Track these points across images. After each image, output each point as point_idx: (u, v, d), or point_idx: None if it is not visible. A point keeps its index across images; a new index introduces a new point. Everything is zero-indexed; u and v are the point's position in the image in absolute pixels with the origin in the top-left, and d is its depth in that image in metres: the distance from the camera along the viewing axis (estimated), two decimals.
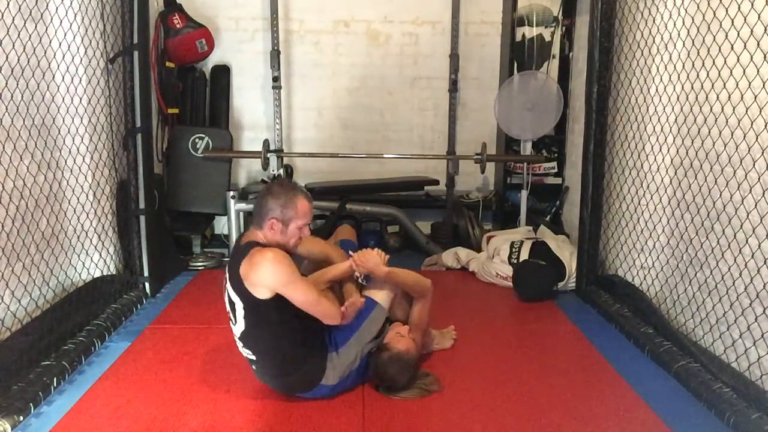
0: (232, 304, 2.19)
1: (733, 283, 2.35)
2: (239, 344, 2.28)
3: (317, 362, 2.25)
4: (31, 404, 2.17)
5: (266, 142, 4.25)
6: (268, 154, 4.25)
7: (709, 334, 2.52)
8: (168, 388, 2.40)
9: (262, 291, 2.09)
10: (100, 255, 3.19)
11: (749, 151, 2.25)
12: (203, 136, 4.29)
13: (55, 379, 2.35)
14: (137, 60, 3.23)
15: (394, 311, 2.51)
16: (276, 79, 4.47)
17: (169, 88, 4.22)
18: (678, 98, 2.81)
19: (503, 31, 4.69)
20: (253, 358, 2.26)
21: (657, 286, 3.03)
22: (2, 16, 2.32)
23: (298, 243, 2.24)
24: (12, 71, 2.43)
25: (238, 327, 2.21)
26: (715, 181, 2.49)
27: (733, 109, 2.34)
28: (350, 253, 2.47)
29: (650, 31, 3.02)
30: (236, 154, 4.49)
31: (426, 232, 4.49)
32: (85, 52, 3.00)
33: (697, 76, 2.62)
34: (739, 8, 2.29)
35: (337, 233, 2.87)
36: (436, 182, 4.62)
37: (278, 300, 2.11)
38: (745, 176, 2.28)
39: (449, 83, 4.57)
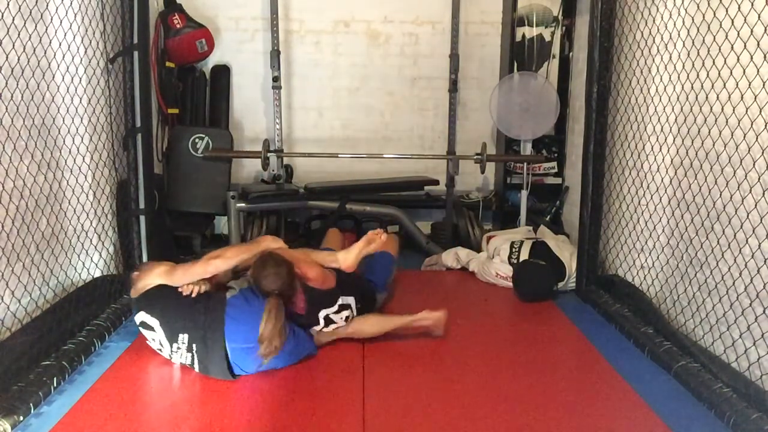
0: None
1: (733, 283, 2.35)
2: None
3: None
4: (31, 404, 2.17)
5: (266, 142, 4.25)
6: (268, 154, 4.25)
7: (709, 334, 2.52)
8: (168, 387, 2.41)
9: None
10: (100, 255, 3.19)
11: (749, 151, 2.25)
12: (203, 136, 4.29)
13: (55, 379, 2.35)
14: (137, 60, 3.22)
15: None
16: (276, 79, 4.47)
17: (169, 88, 4.23)
18: (678, 98, 2.81)
19: (503, 31, 4.70)
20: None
21: (657, 286, 3.03)
22: (2, 16, 2.32)
23: None
24: (12, 71, 2.43)
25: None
26: (715, 181, 2.49)
27: (733, 109, 2.34)
28: None
29: (650, 31, 3.03)
30: (236, 154, 4.49)
31: (426, 232, 4.49)
32: (85, 52, 3.00)
33: (697, 76, 2.62)
34: (739, 8, 2.29)
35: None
36: (436, 182, 4.61)
37: None
38: (745, 176, 2.28)
39: (449, 83, 4.57)
